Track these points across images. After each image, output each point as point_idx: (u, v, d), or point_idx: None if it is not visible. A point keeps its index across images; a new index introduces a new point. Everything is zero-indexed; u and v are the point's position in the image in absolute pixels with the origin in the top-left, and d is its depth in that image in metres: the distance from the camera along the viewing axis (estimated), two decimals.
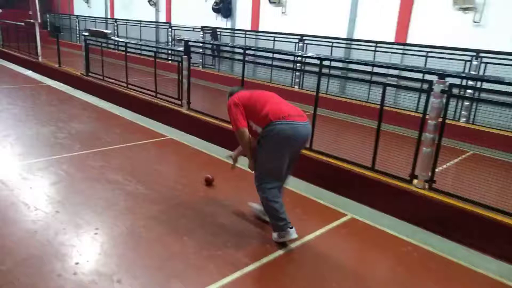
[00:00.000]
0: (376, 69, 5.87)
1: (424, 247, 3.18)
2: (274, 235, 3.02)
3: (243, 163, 3.62)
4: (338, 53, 9.39)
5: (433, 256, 3.08)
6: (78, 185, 3.89)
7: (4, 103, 6.98)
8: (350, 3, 9.47)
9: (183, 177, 4.33)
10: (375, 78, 6.17)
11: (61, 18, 20.26)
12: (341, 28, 9.64)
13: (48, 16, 20.03)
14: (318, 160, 4.76)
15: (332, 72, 7.57)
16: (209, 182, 4.10)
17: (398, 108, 7.52)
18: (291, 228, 2.94)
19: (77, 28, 17.76)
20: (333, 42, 9.30)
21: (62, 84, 9.06)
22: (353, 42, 9.42)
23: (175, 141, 5.54)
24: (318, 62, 5.07)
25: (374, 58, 8.55)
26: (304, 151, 4.80)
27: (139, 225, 3.20)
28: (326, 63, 5.31)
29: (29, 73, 10.57)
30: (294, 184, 4.24)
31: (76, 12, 19.93)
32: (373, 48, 8.72)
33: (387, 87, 4.37)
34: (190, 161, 4.92)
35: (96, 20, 17.27)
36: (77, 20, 17.98)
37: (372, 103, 7.63)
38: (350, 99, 8.46)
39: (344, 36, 9.62)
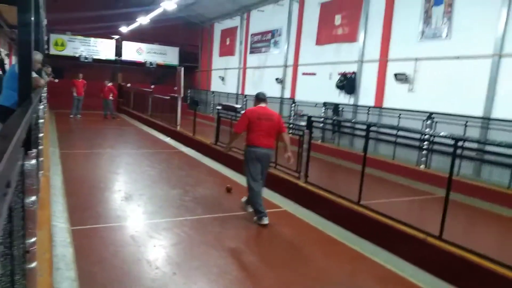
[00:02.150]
0: None
1: None
2: (255, 218, 4.96)
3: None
4: (472, 132, 8.58)
5: None
6: (196, 248, 4.04)
7: (144, 165, 7.91)
8: (488, 80, 8.76)
9: (296, 254, 4.19)
10: None
11: (200, 93, 22.95)
12: (476, 106, 8.89)
13: (189, 91, 22.91)
14: (447, 252, 4.17)
15: (467, 153, 6.88)
16: (228, 190, 6.14)
17: None
18: (266, 216, 4.87)
19: (212, 102, 19.84)
20: (466, 121, 8.58)
21: (194, 151, 9.97)
22: (491, 122, 8.55)
23: (289, 214, 5.50)
24: (449, 141, 4.65)
25: None
26: (431, 240, 4.29)
27: None
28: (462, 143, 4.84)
29: (168, 140, 11.95)
30: (417, 276, 3.77)
31: (213, 88, 22.39)
32: None
33: None
34: (303, 236, 4.77)
35: (229, 96, 19.09)
36: (212, 95, 20.15)
37: None
38: (488, 184, 7.49)
39: (480, 115, 8.82)
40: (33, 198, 2.07)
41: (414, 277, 3.74)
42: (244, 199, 5.39)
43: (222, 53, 21.72)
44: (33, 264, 2.13)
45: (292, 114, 14.25)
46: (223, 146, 9.45)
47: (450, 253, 4.09)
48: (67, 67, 20.55)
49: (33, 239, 2.08)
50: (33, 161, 2.05)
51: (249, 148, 5.01)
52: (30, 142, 2.34)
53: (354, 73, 12.53)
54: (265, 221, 4.86)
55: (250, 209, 5.17)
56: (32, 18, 2.82)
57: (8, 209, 1.30)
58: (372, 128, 6.35)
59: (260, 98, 5.24)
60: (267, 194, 6.39)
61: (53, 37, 20.43)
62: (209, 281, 3.36)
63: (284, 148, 5.15)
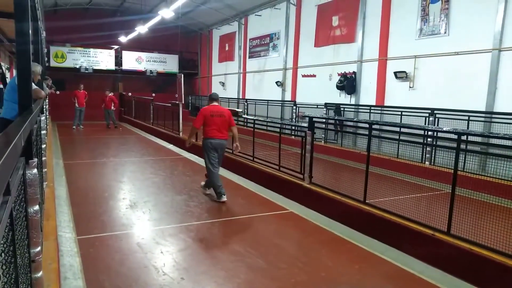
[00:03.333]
0: None
1: None
2: (215, 196, 5.87)
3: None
4: (476, 127, 8.54)
5: None
6: (203, 253, 4.02)
7: (147, 173, 7.90)
8: (489, 74, 8.73)
9: (303, 255, 4.16)
10: None
11: (201, 99, 23.00)
12: (479, 100, 8.86)
13: (190, 97, 22.94)
14: (456, 246, 4.13)
15: (473, 148, 6.83)
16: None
17: None
18: (224, 195, 5.77)
19: None
20: (469, 116, 8.54)
21: (196, 157, 9.95)
22: (494, 116, 8.51)
23: (295, 215, 5.46)
24: (452, 136, 4.63)
25: None
26: (439, 235, 4.25)
27: None
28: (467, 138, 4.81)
29: (171, 146, 11.95)
30: (427, 272, 3.73)
31: None
32: None
33: None
34: (310, 237, 4.73)
35: (230, 100, 19.12)
36: None
37: None
38: (494, 178, 7.43)
39: (483, 109, 8.78)
40: (36, 207, 2.07)
41: (423, 273, 3.70)
42: (202, 183, 6.27)
43: (222, 59, 21.76)
44: (39, 274, 2.11)
45: (294, 117, 14.24)
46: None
47: (459, 248, 4.06)
48: (68, 78, 20.65)
49: (38, 249, 2.07)
50: (34, 170, 2.04)
51: (205, 140, 5.86)
52: (31, 152, 2.33)
53: (354, 73, 12.52)
54: (224, 198, 5.76)
55: (208, 191, 6.12)
56: (30, 29, 2.82)
57: (9, 217, 1.29)
58: (375, 126, 6.33)
59: (212, 98, 6.06)
60: (272, 196, 6.38)
61: (53, 49, 20.54)
62: (217, 284, 3.33)
63: (233, 139, 6.23)
